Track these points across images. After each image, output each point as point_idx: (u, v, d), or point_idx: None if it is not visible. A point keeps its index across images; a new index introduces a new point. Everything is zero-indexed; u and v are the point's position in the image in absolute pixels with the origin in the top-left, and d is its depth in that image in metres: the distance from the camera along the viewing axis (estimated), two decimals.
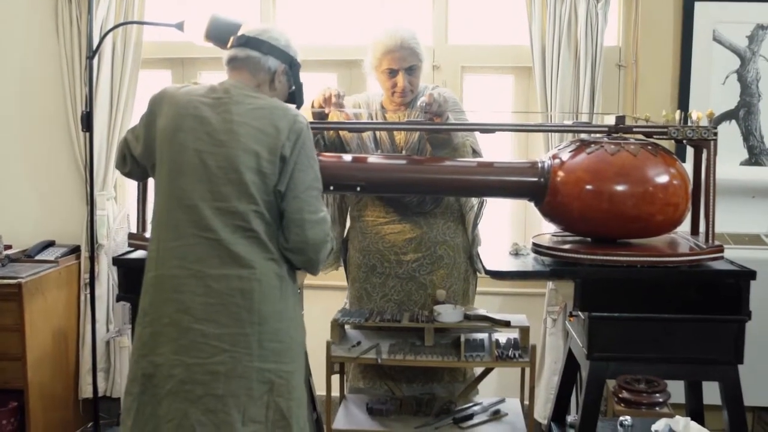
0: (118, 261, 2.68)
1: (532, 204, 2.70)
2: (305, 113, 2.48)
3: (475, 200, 3.04)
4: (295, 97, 2.43)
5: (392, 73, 2.89)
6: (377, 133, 3.00)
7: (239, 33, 2.36)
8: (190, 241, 2.17)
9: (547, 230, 2.89)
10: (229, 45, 2.37)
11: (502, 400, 2.93)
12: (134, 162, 2.40)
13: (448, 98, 2.82)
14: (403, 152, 2.98)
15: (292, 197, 2.20)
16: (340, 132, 3.00)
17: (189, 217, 2.17)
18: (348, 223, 3.17)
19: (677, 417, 2.63)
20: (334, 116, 2.84)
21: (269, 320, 2.19)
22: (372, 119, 2.97)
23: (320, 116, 2.81)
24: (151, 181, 2.44)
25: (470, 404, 2.89)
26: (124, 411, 2.22)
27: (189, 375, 2.13)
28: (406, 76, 2.90)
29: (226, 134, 2.19)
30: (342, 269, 3.21)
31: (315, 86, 2.84)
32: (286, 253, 2.24)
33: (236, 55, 2.32)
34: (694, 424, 2.59)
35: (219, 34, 3.10)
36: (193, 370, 2.13)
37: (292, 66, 2.37)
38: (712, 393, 2.61)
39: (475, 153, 2.94)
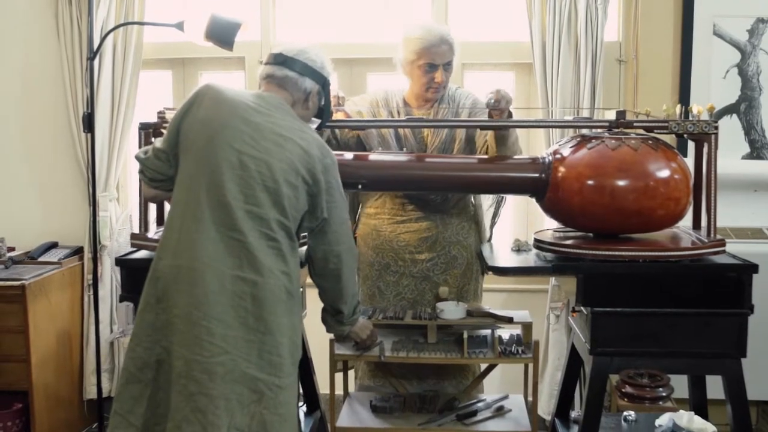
0: (121, 261, 2.68)
1: (533, 200, 2.70)
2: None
3: (492, 198, 3.05)
4: (323, 113, 2.49)
5: (432, 68, 2.90)
6: (400, 130, 2.98)
7: (277, 51, 2.39)
8: (213, 236, 2.16)
9: (549, 226, 2.90)
10: (265, 61, 2.40)
11: (506, 397, 2.93)
12: (156, 155, 2.32)
13: (475, 100, 3.01)
14: (429, 152, 2.98)
15: (332, 231, 2.35)
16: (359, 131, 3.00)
17: (218, 213, 2.17)
18: (360, 220, 3.15)
19: (681, 411, 2.64)
20: (336, 116, 2.85)
21: (273, 332, 2.20)
22: (392, 116, 2.97)
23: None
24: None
25: (474, 401, 2.89)
26: (130, 399, 2.18)
27: (186, 370, 2.12)
28: (443, 71, 2.91)
29: (272, 144, 2.22)
30: None
31: None
32: (318, 280, 2.43)
33: (273, 73, 2.36)
34: (697, 419, 2.59)
35: (219, 33, 3.11)
36: (191, 367, 2.12)
37: (325, 86, 2.43)
38: (715, 387, 2.61)
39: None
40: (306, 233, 2.41)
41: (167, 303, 2.18)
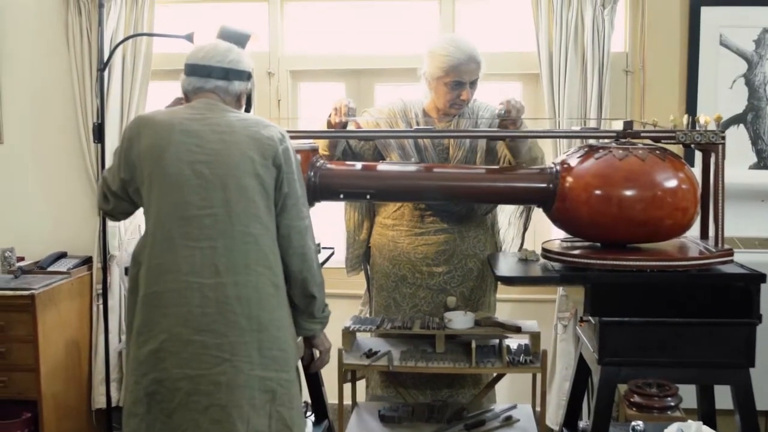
0: None
1: (541, 210, 2.71)
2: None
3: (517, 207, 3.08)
4: (249, 102, 2.49)
5: (459, 85, 2.88)
6: (420, 141, 2.97)
7: (196, 62, 2.35)
8: (183, 253, 2.17)
9: (556, 236, 2.90)
10: (187, 73, 2.36)
11: (514, 406, 2.93)
12: (115, 197, 2.34)
13: (493, 111, 2.97)
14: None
15: (291, 205, 2.28)
16: (376, 141, 3.00)
17: (182, 229, 2.17)
18: (374, 230, 3.13)
19: (689, 421, 2.62)
20: (350, 126, 2.87)
21: (268, 328, 2.21)
22: (410, 126, 2.96)
23: (343, 127, 2.85)
24: None
25: (482, 410, 2.89)
26: None
27: (194, 387, 2.15)
28: (470, 88, 2.90)
29: (218, 143, 2.22)
30: (354, 277, 3.22)
31: (323, 96, 2.85)
32: (285, 266, 2.29)
33: (202, 86, 2.33)
34: (706, 429, 2.58)
35: None
36: (197, 382, 2.15)
37: (249, 78, 2.42)
38: (724, 397, 2.60)
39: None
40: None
41: (148, 334, 2.18)
